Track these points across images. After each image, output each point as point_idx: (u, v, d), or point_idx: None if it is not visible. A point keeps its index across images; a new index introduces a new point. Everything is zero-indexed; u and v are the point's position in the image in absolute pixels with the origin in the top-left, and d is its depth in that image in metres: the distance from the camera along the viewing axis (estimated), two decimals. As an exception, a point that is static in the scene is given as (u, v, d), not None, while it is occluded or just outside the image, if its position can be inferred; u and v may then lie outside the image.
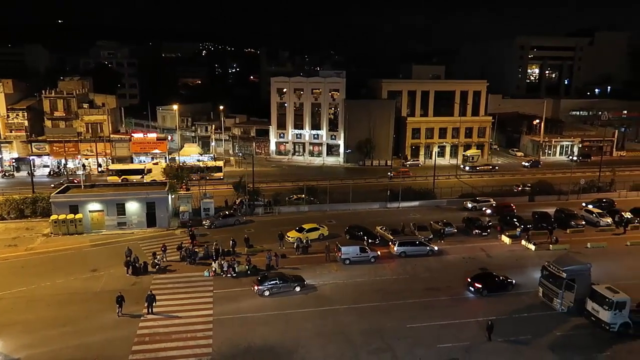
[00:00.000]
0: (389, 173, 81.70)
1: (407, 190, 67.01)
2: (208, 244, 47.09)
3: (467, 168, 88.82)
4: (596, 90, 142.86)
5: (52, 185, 68.03)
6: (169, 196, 56.89)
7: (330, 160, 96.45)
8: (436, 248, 47.78)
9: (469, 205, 62.73)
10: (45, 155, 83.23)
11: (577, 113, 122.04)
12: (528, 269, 43.31)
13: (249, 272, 42.21)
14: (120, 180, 71.24)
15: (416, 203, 64.70)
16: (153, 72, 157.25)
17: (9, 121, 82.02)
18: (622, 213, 56.81)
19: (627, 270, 43.49)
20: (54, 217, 52.23)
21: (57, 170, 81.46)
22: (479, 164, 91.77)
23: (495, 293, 38.93)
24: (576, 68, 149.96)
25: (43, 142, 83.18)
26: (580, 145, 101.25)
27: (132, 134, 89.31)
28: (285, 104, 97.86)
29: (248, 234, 51.03)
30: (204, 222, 55.76)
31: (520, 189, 70.56)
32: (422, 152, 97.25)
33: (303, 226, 51.68)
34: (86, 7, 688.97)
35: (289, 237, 49.79)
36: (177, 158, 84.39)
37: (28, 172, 72.15)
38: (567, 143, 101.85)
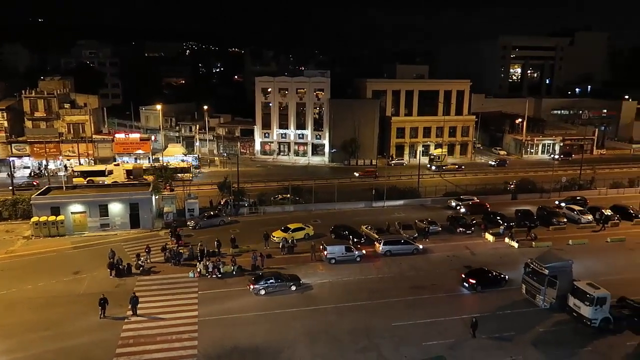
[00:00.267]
0: (355, 173, 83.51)
1: (392, 189, 67.35)
2: (192, 245, 46.74)
3: (433, 167, 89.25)
4: (577, 89, 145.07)
5: (10, 188, 64.14)
6: (153, 197, 56.38)
7: (316, 160, 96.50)
8: (421, 246, 48.06)
9: (453, 203, 63.32)
10: (25, 156, 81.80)
11: (559, 112, 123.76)
12: (512, 266, 43.77)
13: (234, 272, 42.08)
14: (85, 182, 70.24)
15: (401, 202, 65.12)
16: (136, 71, 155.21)
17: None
18: (602, 210, 57.83)
19: (608, 267, 44.34)
20: (34, 219, 51.37)
21: (37, 172, 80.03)
22: (445, 163, 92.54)
23: (489, 289, 39.50)
24: (557, 68, 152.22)
25: (23, 143, 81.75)
26: (561, 144, 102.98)
27: (115, 135, 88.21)
28: (270, 104, 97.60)
29: (233, 234, 50.80)
30: (188, 223, 55.36)
31: (512, 186, 70.99)
32: (406, 151, 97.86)
33: (288, 226, 51.63)
34: (67, 5, 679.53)
35: (274, 237, 49.68)
36: (160, 158, 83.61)
37: (8, 174, 70.82)
38: (549, 142, 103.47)
